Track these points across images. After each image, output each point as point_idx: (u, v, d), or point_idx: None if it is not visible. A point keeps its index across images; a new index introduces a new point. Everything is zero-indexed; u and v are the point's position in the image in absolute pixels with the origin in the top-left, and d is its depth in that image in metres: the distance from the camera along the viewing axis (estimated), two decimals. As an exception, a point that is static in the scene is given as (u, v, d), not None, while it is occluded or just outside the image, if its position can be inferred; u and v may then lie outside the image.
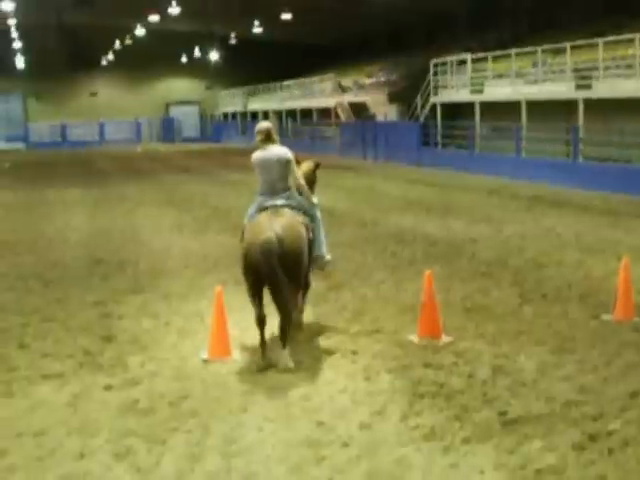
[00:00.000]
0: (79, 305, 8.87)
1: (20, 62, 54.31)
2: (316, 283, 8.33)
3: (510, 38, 33.16)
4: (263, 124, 7.19)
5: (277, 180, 6.98)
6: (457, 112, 29.25)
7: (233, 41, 55.10)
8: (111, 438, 5.19)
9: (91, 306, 8.77)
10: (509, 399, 5.68)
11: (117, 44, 54.92)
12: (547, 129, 24.19)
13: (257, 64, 56.14)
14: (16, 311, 8.62)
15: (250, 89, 53.93)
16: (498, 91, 26.31)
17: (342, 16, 45.35)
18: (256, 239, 6.39)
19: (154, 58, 56.41)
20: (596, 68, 21.72)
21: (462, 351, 6.81)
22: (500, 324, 7.65)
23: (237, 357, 6.77)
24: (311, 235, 6.97)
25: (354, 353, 6.83)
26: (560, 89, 23.10)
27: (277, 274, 6.29)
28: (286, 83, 48.10)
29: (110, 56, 57.41)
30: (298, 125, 44.39)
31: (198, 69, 60.05)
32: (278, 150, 7.03)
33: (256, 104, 52.64)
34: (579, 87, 22.32)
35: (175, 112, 63.05)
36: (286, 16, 41.48)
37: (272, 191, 6.97)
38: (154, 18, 43.16)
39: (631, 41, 21.10)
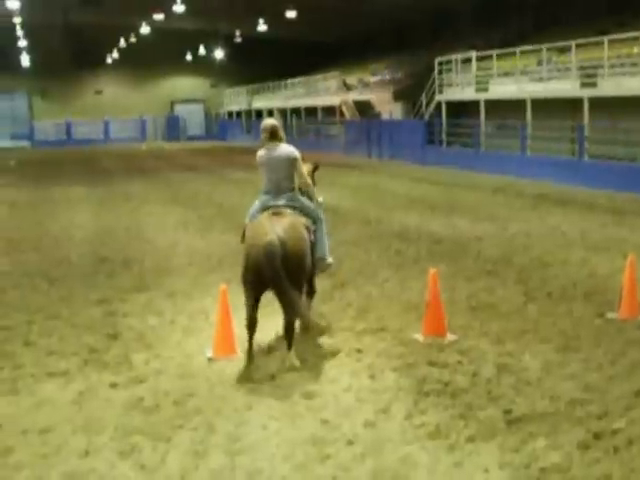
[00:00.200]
0: (84, 303, 8.88)
1: (25, 60, 54.45)
2: (321, 281, 8.32)
3: (515, 36, 33.12)
4: (268, 121, 7.09)
5: (282, 179, 6.93)
6: (462, 110, 29.21)
7: (238, 39, 55.07)
8: (116, 436, 5.20)
9: (96, 304, 8.79)
10: (514, 397, 5.67)
11: (122, 42, 54.95)
12: (552, 127, 24.17)
13: (262, 62, 56.23)
14: (21, 309, 8.64)
15: (255, 87, 53.89)
16: (503, 89, 26.27)
17: (347, 14, 45.38)
18: (259, 241, 6.30)
19: (159, 56, 56.56)
20: (601, 66, 21.68)
21: (467, 349, 6.80)
22: (505, 322, 7.64)
23: (242, 355, 6.75)
24: (312, 237, 6.90)
25: (359, 351, 6.83)
26: (565, 87, 23.04)
27: (281, 276, 6.21)
28: (291, 81, 48.08)
29: (115, 54, 57.53)
30: (303, 123, 44.38)
31: (203, 67, 60.06)
32: (284, 149, 6.95)
33: (261, 102, 52.62)
34: (584, 85, 22.26)
35: (180, 110, 63.06)
36: (291, 14, 41.50)
37: (277, 190, 6.92)
38: (159, 16, 43.32)
39: (636, 39, 21.13)
